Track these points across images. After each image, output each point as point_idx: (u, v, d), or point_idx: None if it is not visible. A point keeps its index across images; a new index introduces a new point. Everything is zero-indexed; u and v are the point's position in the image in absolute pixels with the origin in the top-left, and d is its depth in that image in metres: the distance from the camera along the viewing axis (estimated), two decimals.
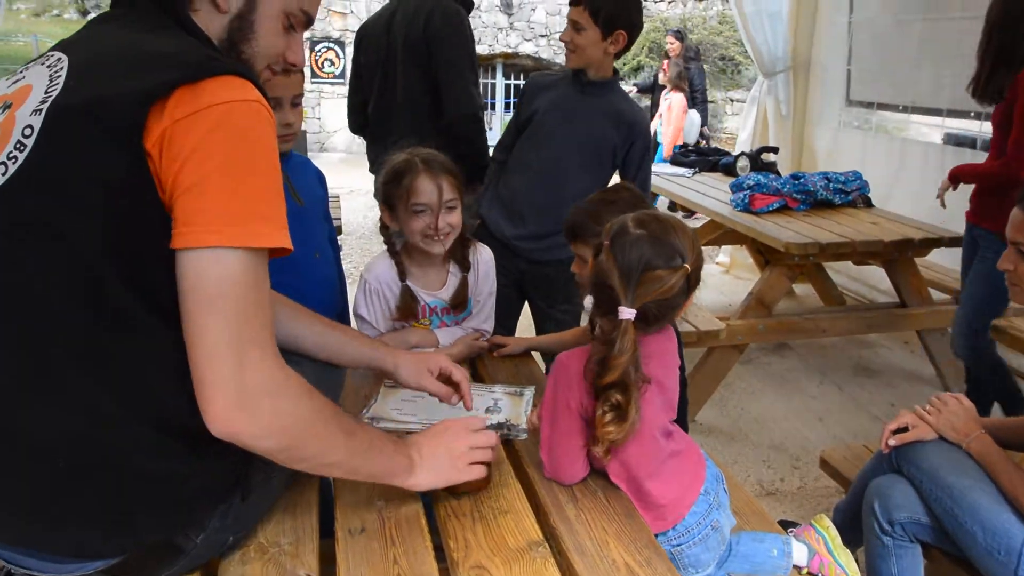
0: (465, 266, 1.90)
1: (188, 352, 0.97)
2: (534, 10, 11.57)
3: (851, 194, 3.60)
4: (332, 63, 11.24)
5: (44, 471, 1.00)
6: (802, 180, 3.58)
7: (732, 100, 11.01)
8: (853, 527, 1.88)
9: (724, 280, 5.28)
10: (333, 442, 1.10)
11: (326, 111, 11.46)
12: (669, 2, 12.25)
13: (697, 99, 7.59)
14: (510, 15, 11.54)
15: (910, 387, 3.63)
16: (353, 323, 1.92)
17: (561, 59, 11.63)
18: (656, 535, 1.34)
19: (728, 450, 3.08)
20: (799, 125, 5.02)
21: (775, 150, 4.38)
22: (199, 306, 0.96)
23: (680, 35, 7.68)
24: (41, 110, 0.99)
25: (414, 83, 2.75)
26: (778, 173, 4.02)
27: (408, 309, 1.88)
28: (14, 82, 1.08)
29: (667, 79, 7.27)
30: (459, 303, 1.89)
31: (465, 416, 1.49)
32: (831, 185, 3.60)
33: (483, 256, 1.96)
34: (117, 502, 1.03)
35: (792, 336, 3.49)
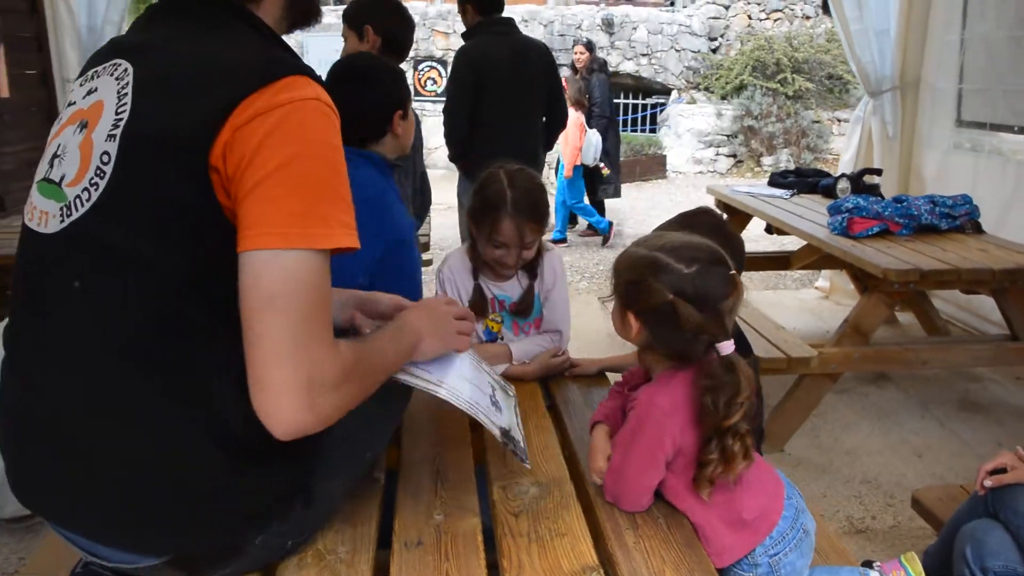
0: (533, 274, 1.92)
1: (248, 354, 0.97)
2: (635, 29, 11.53)
3: (959, 219, 3.40)
4: (434, 82, 11.50)
5: (116, 481, 1.04)
6: (905, 203, 3.42)
7: (839, 120, 10.64)
8: (943, 574, 1.77)
9: (823, 305, 5.09)
10: (374, 381, 1.12)
11: (427, 128, 11.69)
12: (775, 20, 11.97)
13: (594, 114, 6.85)
14: (611, 34, 11.53)
15: (1019, 426, 3.39)
16: None
17: (662, 77, 11.55)
18: (755, 550, 1.33)
19: (818, 483, 2.95)
20: (906, 147, 4.79)
21: (878, 172, 4.20)
22: (260, 308, 0.96)
23: (590, 45, 7.14)
24: (115, 136, 1.02)
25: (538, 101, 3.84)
26: (881, 196, 3.86)
27: (478, 306, 1.93)
28: (88, 92, 1.10)
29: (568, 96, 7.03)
30: (523, 308, 1.93)
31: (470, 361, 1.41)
32: (937, 209, 3.41)
33: (551, 260, 1.96)
34: (181, 513, 1.07)
35: (890, 367, 3.32)
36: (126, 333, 1.01)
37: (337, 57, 5.33)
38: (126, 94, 1.03)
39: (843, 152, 5.22)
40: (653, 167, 10.97)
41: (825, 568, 1.61)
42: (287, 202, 0.97)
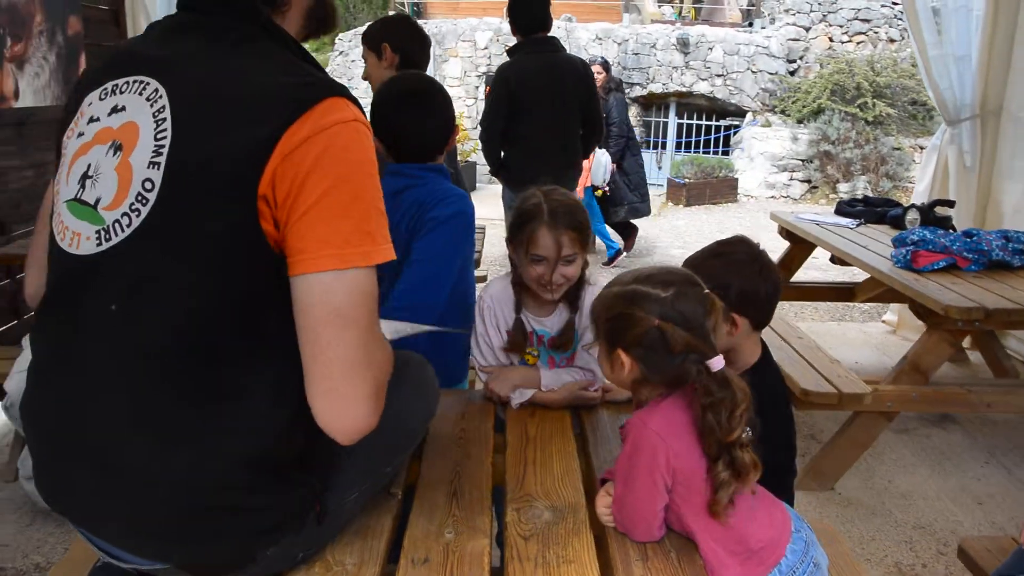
0: (574, 307, 1.88)
1: (314, 370, 1.02)
2: (711, 49, 11.40)
3: None
4: None
5: (145, 496, 1.07)
6: (976, 238, 3.28)
7: (921, 148, 10.28)
8: None
9: (889, 340, 4.91)
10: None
11: None
12: (857, 42, 11.68)
13: (612, 134, 6.72)
14: (686, 54, 11.44)
15: None
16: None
17: (737, 99, 11.38)
18: None
19: (867, 525, 2.85)
20: (984, 178, 4.59)
21: (951, 204, 4.04)
22: (329, 324, 1.00)
23: (606, 65, 6.97)
24: (159, 164, 1.02)
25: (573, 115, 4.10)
26: (952, 229, 3.71)
27: (517, 343, 1.89)
28: (113, 110, 1.08)
29: None
30: (563, 343, 1.87)
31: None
32: (1010, 245, 3.26)
33: (592, 295, 1.92)
34: (201, 527, 1.10)
35: (951, 408, 3.18)
36: (165, 356, 1.04)
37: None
38: (164, 119, 1.04)
39: (917, 182, 5.05)
40: (723, 190, 10.80)
41: None
42: (341, 223, 1.01)
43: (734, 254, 1.64)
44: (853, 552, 2.63)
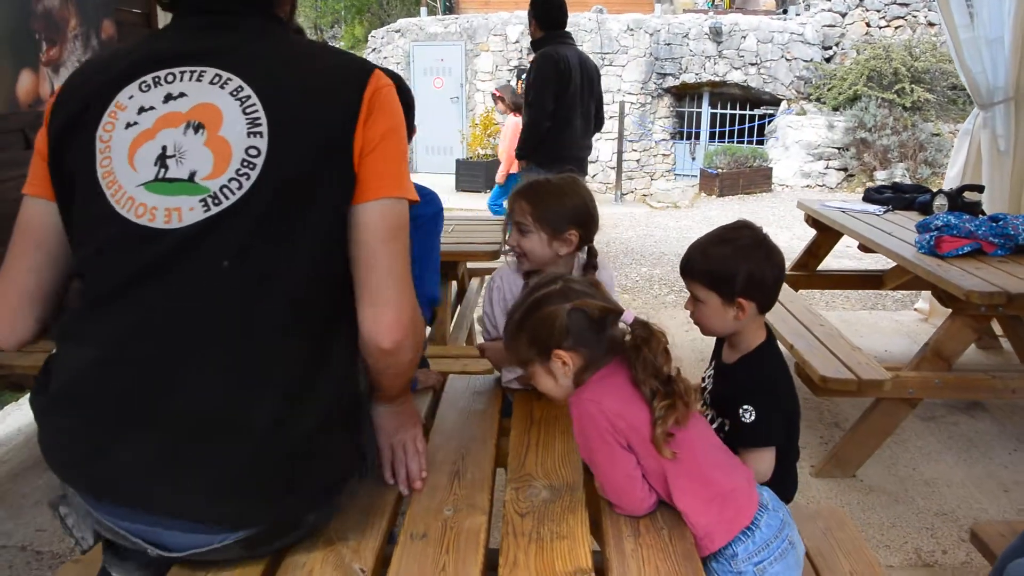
0: None
1: (365, 278, 1.20)
2: (744, 38, 11.28)
3: None
4: None
5: (229, 452, 1.13)
6: (1002, 222, 3.23)
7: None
8: None
9: (921, 328, 4.84)
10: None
11: None
12: (896, 27, 11.46)
13: None
14: (719, 43, 11.33)
15: None
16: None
17: (771, 87, 11.25)
18: (737, 553, 1.34)
19: (888, 512, 2.83)
20: (1020, 162, 4.50)
21: (980, 189, 3.97)
22: (386, 239, 1.20)
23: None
24: (260, 132, 1.15)
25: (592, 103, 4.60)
26: (982, 214, 3.65)
27: None
28: (169, 97, 1.17)
29: (506, 101, 6.83)
30: None
31: None
32: None
33: (600, 278, 1.95)
34: (281, 480, 1.18)
35: (974, 394, 3.14)
36: (269, 309, 1.15)
37: (440, 65, 5.80)
38: (248, 96, 1.16)
39: (949, 167, 4.97)
40: (757, 179, 10.70)
41: None
42: (394, 164, 1.23)
43: (740, 239, 1.66)
44: (867, 537, 2.63)
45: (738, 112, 11.64)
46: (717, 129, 11.81)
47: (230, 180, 1.13)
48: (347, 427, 1.27)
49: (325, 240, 1.19)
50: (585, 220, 1.85)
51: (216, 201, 1.13)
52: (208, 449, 1.13)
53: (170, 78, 1.18)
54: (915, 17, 11.43)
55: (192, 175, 1.14)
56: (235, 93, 1.16)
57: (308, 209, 1.16)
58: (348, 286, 1.22)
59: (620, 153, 10.75)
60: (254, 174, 1.13)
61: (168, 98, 1.17)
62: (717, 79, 11.48)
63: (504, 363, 1.88)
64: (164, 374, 1.13)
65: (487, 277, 4.60)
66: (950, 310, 3.97)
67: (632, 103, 11.62)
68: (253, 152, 1.14)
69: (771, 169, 10.89)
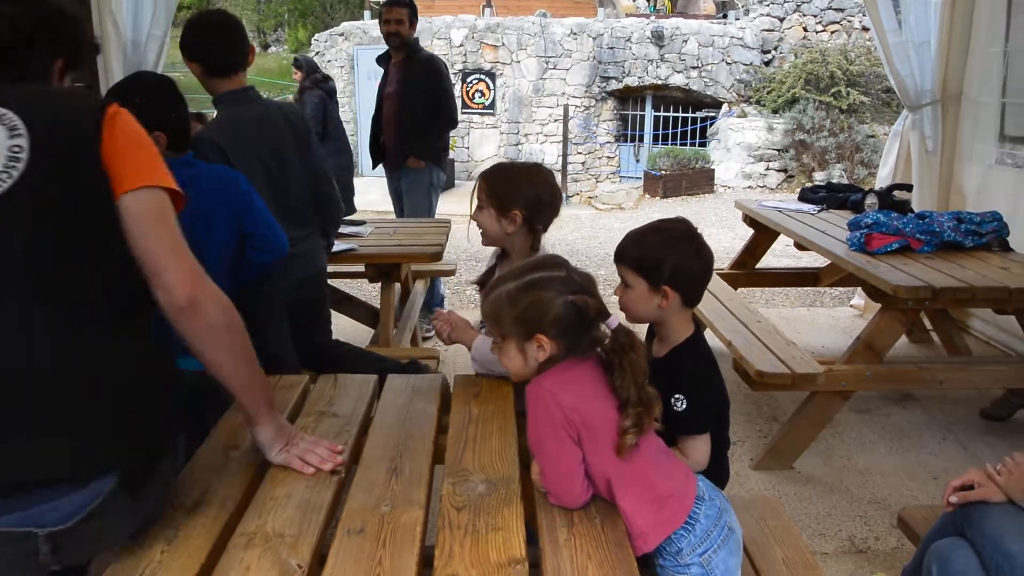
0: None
1: (147, 260, 1.32)
2: (686, 41, 11.48)
3: (985, 236, 3.33)
4: (482, 94, 11.65)
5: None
6: (928, 220, 3.35)
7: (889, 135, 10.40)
8: None
9: (857, 324, 4.97)
10: (248, 347, 1.44)
11: (475, 140, 11.86)
12: (832, 32, 11.78)
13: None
14: (661, 47, 11.51)
15: None
16: None
17: (712, 90, 11.46)
18: (681, 548, 1.37)
19: (823, 501, 2.92)
20: (947, 162, 4.68)
21: (909, 188, 4.12)
22: (152, 224, 1.33)
23: (298, 63, 6.94)
24: (20, 134, 1.28)
25: None
26: (911, 212, 3.78)
27: (482, 281, 2.09)
28: None
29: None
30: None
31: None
32: (962, 226, 3.34)
33: None
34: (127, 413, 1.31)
35: (904, 386, 3.25)
36: (54, 277, 1.28)
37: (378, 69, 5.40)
38: (7, 115, 1.31)
39: (880, 167, 5.13)
40: (700, 181, 10.88)
41: None
42: (142, 160, 1.38)
43: (673, 231, 1.71)
44: (803, 526, 2.71)
45: (680, 115, 11.83)
46: (660, 132, 11.99)
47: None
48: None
49: (92, 223, 1.32)
50: (532, 203, 1.93)
51: None
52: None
53: None
54: (850, 22, 11.76)
55: None
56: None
57: (74, 192, 1.31)
58: (129, 263, 1.34)
59: (565, 156, 10.83)
60: (20, 166, 1.27)
61: None
62: (660, 82, 11.65)
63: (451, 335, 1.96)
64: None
65: (428, 280, 4.61)
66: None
67: (576, 106, 11.72)
68: (16, 150, 1.28)
69: (713, 171, 11.09)
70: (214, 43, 2.57)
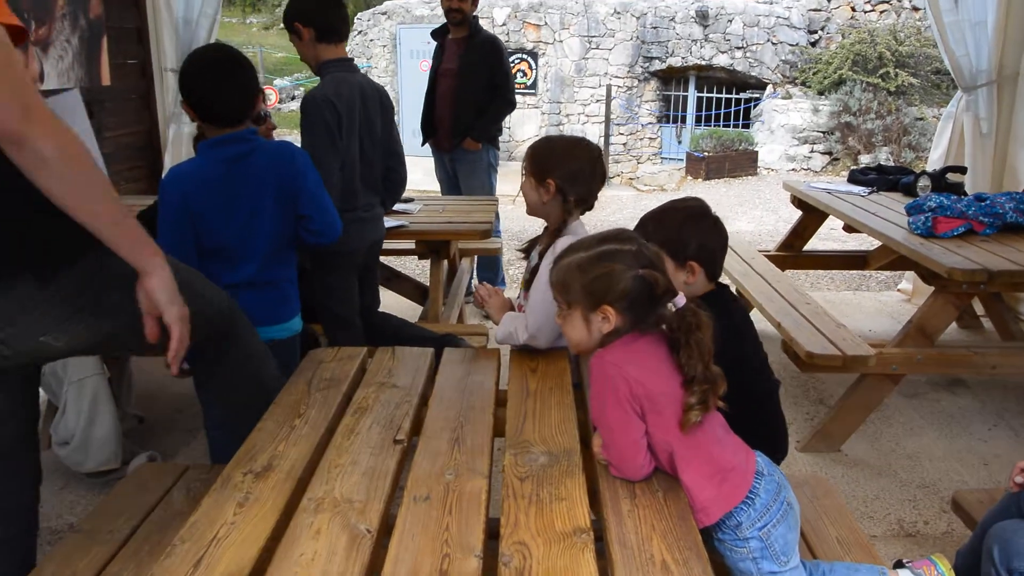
0: (540, 254, 2.02)
1: None
2: (731, 21, 11.30)
3: None
4: (524, 74, 11.60)
5: None
6: (988, 202, 3.28)
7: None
8: (973, 574, 1.75)
9: (904, 308, 4.92)
10: (104, 182, 1.40)
11: (516, 120, 11.83)
12: (881, 11, 11.52)
13: None
14: (705, 26, 11.35)
15: None
16: None
17: (757, 71, 11.29)
18: (741, 522, 1.39)
19: (872, 484, 2.90)
20: (1001, 144, 4.57)
21: (963, 170, 4.04)
22: None
23: None
24: None
25: None
26: (964, 195, 3.71)
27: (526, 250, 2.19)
28: None
29: None
30: (527, 282, 2.04)
31: None
32: (1021, 206, 3.27)
33: (559, 247, 1.92)
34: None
35: (955, 370, 3.20)
36: None
37: (427, 48, 5.33)
38: None
39: (932, 149, 5.03)
40: (743, 163, 10.76)
41: (845, 564, 1.63)
42: None
43: (689, 208, 1.78)
44: (851, 508, 2.70)
45: (724, 96, 11.68)
46: (703, 113, 11.85)
47: None
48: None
49: None
50: (566, 174, 1.97)
51: None
52: None
53: None
54: (900, 2, 11.48)
55: None
56: None
57: None
58: None
59: (607, 136, 10.77)
60: None
61: None
62: (703, 63, 11.50)
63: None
64: None
65: (476, 257, 4.64)
66: (933, 289, 4.04)
67: (619, 87, 11.63)
68: None
69: (757, 153, 10.95)
70: (330, 9, 2.72)
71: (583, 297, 1.41)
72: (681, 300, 1.40)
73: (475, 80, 4.46)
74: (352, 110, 2.70)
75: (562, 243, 1.94)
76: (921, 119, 10.49)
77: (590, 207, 2.08)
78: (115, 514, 1.88)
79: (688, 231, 1.71)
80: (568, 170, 1.99)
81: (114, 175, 4.26)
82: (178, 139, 4.44)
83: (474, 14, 4.52)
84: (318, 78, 2.77)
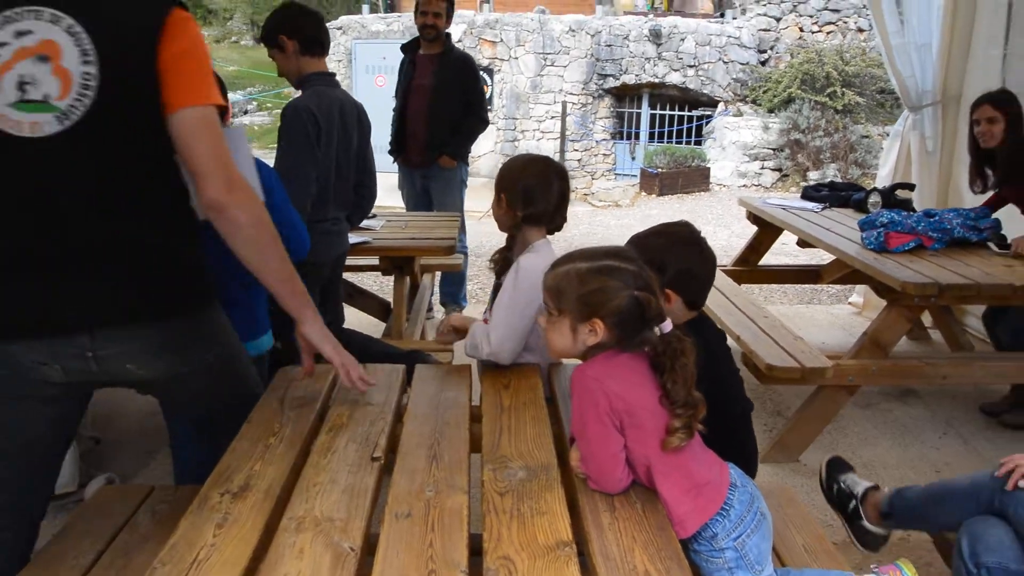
0: (501, 274, 2.06)
1: (190, 166, 1.54)
2: (683, 40, 11.52)
3: (984, 231, 3.39)
4: None
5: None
6: (937, 218, 3.41)
7: (889, 135, 10.49)
8: (909, 517, 1.82)
9: (855, 321, 5.06)
10: (281, 247, 1.65)
11: None
12: (827, 32, 11.86)
13: None
14: (659, 45, 11.56)
15: None
16: None
17: (708, 89, 11.52)
18: (716, 533, 1.42)
19: None
20: (946, 162, 4.75)
21: (911, 187, 4.18)
22: (197, 137, 1.53)
23: None
24: (91, 61, 1.47)
25: None
26: (913, 211, 3.85)
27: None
28: (17, 34, 1.46)
29: None
30: (493, 300, 2.06)
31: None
32: (966, 222, 3.41)
33: (521, 264, 1.97)
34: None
35: (909, 381, 3.31)
36: (123, 183, 1.56)
37: (382, 63, 5.39)
38: (79, 32, 1.47)
39: (881, 166, 5.20)
40: (696, 179, 10.94)
41: (816, 572, 1.68)
42: (196, 78, 1.56)
43: (677, 234, 1.77)
44: (811, 514, 2.76)
45: (677, 113, 11.88)
46: (656, 129, 12.03)
47: (74, 100, 1.48)
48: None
49: (150, 122, 1.53)
50: (517, 192, 2.00)
51: (67, 117, 1.48)
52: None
53: (16, 17, 1.47)
54: (846, 23, 11.84)
55: (46, 97, 1.48)
56: (69, 29, 1.47)
57: (136, 107, 1.52)
58: (172, 168, 1.60)
59: (562, 153, 10.87)
60: (92, 93, 1.48)
61: (19, 34, 1.48)
62: (656, 80, 11.69)
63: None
64: (67, 222, 1.53)
65: (438, 273, 4.64)
66: (884, 303, 4.17)
67: (573, 103, 11.76)
68: (87, 77, 1.48)
69: (709, 169, 11.15)
70: (315, 22, 2.81)
71: (576, 307, 1.42)
72: (668, 326, 1.42)
73: (450, 97, 4.42)
74: (331, 124, 2.72)
75: (525, 261, 1.97)
76: (867, 137, 10.81)
77: (556, 227, 2.09)
78: (78, 539, 1.84)
79: (669, 258, 1.71)
80: (521, 186, 2.00)
81: None
82: None
83: (447, 31, 4.53)
84: (275, 92, 2.80)
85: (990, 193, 3.69)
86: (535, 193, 2.00)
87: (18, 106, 1.48)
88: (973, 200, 4.50)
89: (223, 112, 1.61)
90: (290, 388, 1.87)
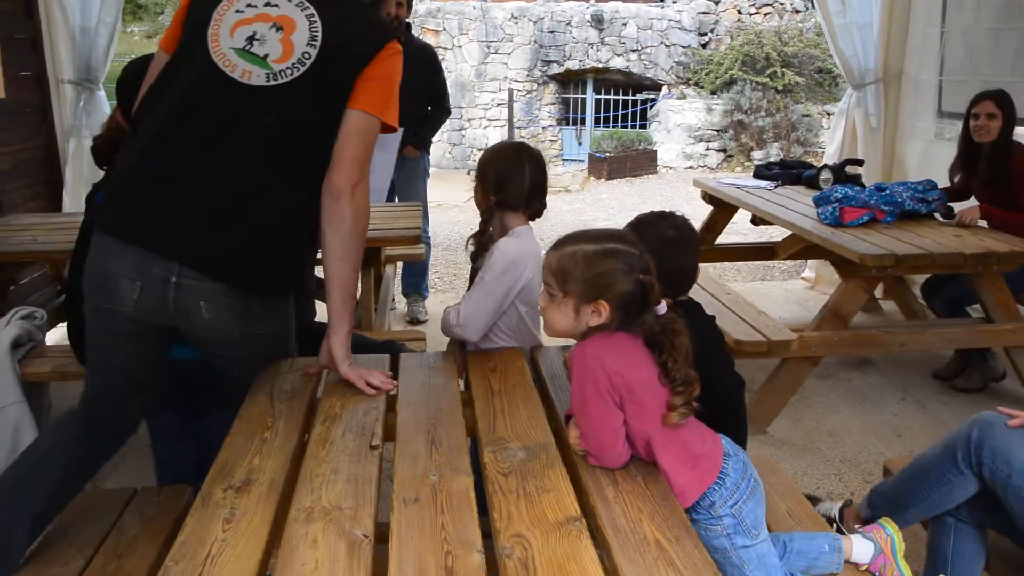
0: (476, 258, 2.08)
1: (336, 155, 1.75)
2: (625, 25, 11.63)
3: (933, 203, 3.53)
4: None
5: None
6: (888, 191, 3.53)
7: (829, 114, 10.75)
8: (892, 508, 1.91)
9: (809, 295, 5.20)
10: (359, 258, 1.81)
11: None
12: (765, 14, 12.09)
13: None
14: (601, 30, 11.63)
15: (997, 406, 3.49)
16: None
17: (652, 73, 11.64)
18: (714, 502, 1.46)
19: (799, 462, 3.07)
20: (889, 137, 4.90)
21: (860, 163, 4.31)
22: (355, 137, 1.76)
23: None
24: (315, 45, 1.75)
25: None
26: (862, 186, 3.96)
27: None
28: (267, 3, 1.78)
29: None
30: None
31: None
32: (915, 195, 3.53)
33: (498, 247, 1.99)
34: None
35: (869, 350, 3.42)
36: (289, 151, 1.76)
37: None
38: (316, 22, 1.76)
39: (828, 144, 5.34)
40: (644, 163, 11.07)
41: (802, 534, 1.74)
42: (380, 95, 1.81)
43: (674, 219, 1.83)
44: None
45: (622, 97, 12.00)
46: (602, 114, 12.14)
47: (289, 67, 1.73)
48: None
49: (329, 120, 1.75)
50: (488, 177, 2.05)
51: (275, 78, 1.74)
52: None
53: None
54: (783, 5, 12.08)
55: (266, 56, 1.74)
56: (309, 17, 1.77)
57: (326, 100, 1.75)
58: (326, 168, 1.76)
59: (510, 140, 10.88)
60: (303, 69, 1.74)
61: (267, 4, 1.78)
62: (600, 66, 11.78)
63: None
64: (215, 177, 1.73)
65: (399, 264, 4.63)
66: (835, 277, 4.29)
67: (519, 90, 11.78)
68: (306, 56, 1.74)
69: (656, 152, 11.30)
70: None
71: (582, 288, 1.43)
72: (663, 308, 1.45)
73: (414, 88, 4.41)
74: None
75: (503, 244, 1.99)
76: (808, 116, 11.07)
77: (535, 212, 2.11)
78: (65, 545, 1.81)
79: (650, 247, 1.74)
80: (492, 171, 2.04)
81: (12, 193, 4.03)
82: (79, 153, 4.24)
83: (407, 20, 4.50)
84: None
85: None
86: (506, 178, 2.02)
87: (240, 53, 1.73)
88: (916, 175, 4.67)
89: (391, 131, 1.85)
90: (277, 381, 1.85)
